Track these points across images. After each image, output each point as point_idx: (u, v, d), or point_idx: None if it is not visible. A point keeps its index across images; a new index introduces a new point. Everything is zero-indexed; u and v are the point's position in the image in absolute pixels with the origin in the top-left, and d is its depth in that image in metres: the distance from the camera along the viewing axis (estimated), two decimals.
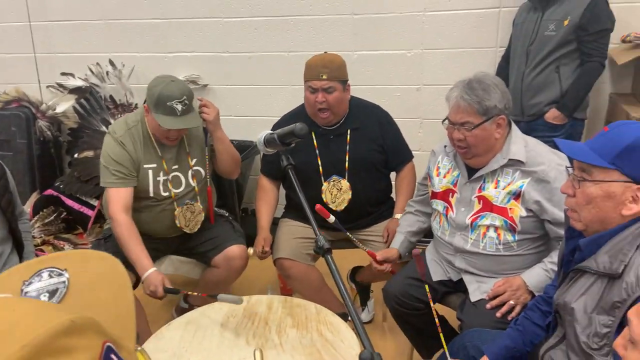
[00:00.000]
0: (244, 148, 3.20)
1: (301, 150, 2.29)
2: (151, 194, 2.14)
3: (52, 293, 0.56)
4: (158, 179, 2.14)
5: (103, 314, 0.53)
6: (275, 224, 2.45)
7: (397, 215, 2.29)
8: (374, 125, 2.33)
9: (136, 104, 3.40)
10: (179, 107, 1.98)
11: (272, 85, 3.34)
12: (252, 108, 3.42)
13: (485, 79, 1.68)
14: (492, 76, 1.72)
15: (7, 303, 0.47)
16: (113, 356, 0.48)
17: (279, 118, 2.44)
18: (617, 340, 0.89)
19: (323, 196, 2.29)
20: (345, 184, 2.29)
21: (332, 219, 1.93)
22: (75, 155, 3.29)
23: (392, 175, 2.45)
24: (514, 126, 1.78)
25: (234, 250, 2.26)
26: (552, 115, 2.49)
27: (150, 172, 2.13)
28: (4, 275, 0.59)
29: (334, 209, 2.29)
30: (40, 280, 0.57)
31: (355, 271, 2.65)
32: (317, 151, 2.29)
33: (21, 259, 1.98)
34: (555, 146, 1.83)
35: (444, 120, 1.78)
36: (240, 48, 3.30)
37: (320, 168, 2.29)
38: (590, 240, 1.18)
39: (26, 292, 0.56)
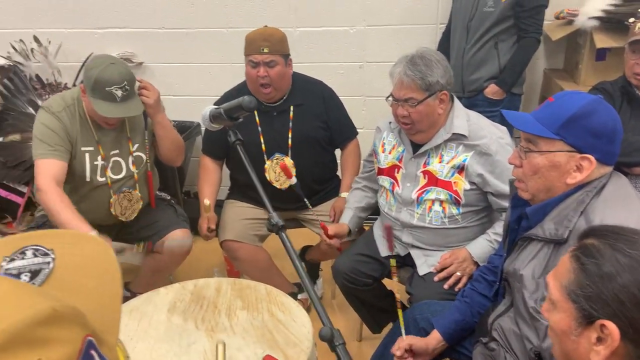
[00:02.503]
0: (184, 129, 3.09)
1: (243, 128, 2.23)
2: (87, 179, 2.02)
3: (34, 273, 0.50)
4: (95, 163, 2.03)
5: (86, 303, 0.48)
6: (219, 206, 2.39)
7: (344, 194, 2.29)
8: (318, 101, 2.31)
9: (65, 84, 3.19)
10: (119, 92, 1.86)
11: (212, 63, 3.22)
12: (190, 87, 3.30)
13: (428, 55, 1.69)
14: (434, 51, 1.73)
15: None
16: (93, 352, 0.44)
17: (220, 96, 2.37)
18: (543, 306, 0.94)
19: (266, 174, 2.25)
20: (289, 161, 2.26)
21: (294, 180, 1.92)
22: (0, 140, 3.06)
23: (338, 153, 2.44)
24: (456, 101, 1.80)
25: (178, 234, 2.19)
26: (492, 90, 2.55)
27: (87, 155, 2.01)
28: None
29: (278, 187, 2.26)
30: (24, 259, 0.51)
31: (304, 250, 2.64)
32: (259, 129, 2.24)
33: None
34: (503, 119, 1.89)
35: (388, 97, 1.78)
36: (176, 24, 3.15)
37: (263, 146, 2.24)
38: (536, 208, 1.22)
39: (6, 270, 0.51)
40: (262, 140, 2.24)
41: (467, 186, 1.72)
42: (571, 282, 0.84)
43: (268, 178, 2.26)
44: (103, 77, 1.85)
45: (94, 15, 3.16)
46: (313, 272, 2.63)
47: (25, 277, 0.50)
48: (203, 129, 3.17)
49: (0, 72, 3.16)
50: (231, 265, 2.72)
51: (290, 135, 2.25)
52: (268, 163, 2.26)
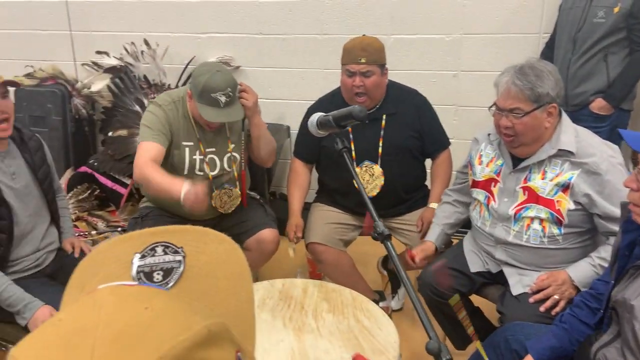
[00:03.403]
0: (274, 131, 3.16)
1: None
2: (185, 172, 2.14)
3: (166, 272, 0.49)
4: (194, 157, 2.15)
5: (222, 306, 0.47)
6: (306, 209, 2.43)
7: (432, 204, 2.25)
8: (411, 110, 2.29)
9: (169, 85, 3.40)
10: (223, 98, 1.96)
11: (305, 69, 3.29)
12: (282, 91, 3.39)
13: (539, 65, 1.62)
14: (545, 62, 1.66)
15: (139, 297, 0.42)
16: None
17: (313, 102, 2.41)
18: None
19: (354, 181, 2.26)
20: (377, 169, 2.25)
21: None
22: (109, 134, 3.32)
23: (427, 163, 2.40)
24: (564, 115, 1.71)
25: (266, 234, 2.25)
26: (598, 105, 2.40)
27: (187, 149, 2.13)
28: (113, 243, 0.53)
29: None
30: (154, 256, 0.50)
31: (387, 259, 2.62)
32: (351, 136, 2.26)
33: (60, 234, 2.00)
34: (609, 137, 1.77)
35: (491, 107, 1.72)
36: (274, 30, 3.26)
37: (354, 153, 2.25)
38: None
39: (139, 266, 0.49)
40: (352, 147, 2.25)
41: (572, 206, 1.63)
42: None
43: (356, 185, 2.27)
44: (210, 84, 1.95)
45: (198, 21, 3.34)
46: (395, 280, 2.60)
47: (158, 276, 0.49)
48: (294, 132, 3.27)
49: (113, 71, 3.43)
50: (314, 267, 2.76)
51: (381, 144, 2.25)
52: (357, 170, 2.27)
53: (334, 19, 3.13)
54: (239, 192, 2.27)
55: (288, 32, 3.24)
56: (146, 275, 0.49)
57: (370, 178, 2.28)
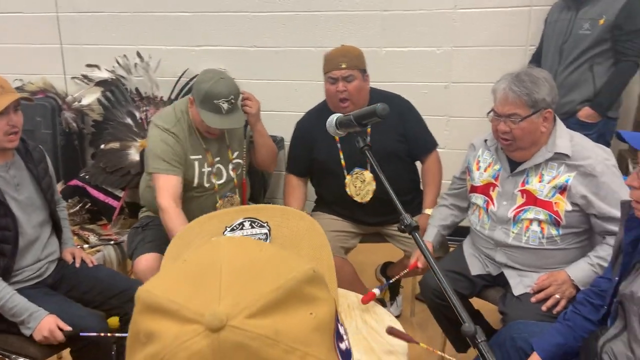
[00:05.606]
0: None
1: (323, 145, 2.29)
2: (195, 184, 2.14)
3: None
4: (203, 170, 2.15)
5: None
6: None
7: (427, 210, 2.29)
8: (394, 114, 2.30)
9: (161, 97, 3.41)
10: (225, 105, 1.98)
11: (298, 81, 3.34)
12: (276, 103, 3.41)
13: (534, 72, 1.69)
14: (540, 70, 1.73)
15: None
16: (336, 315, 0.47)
17: (303, 114, 2.46)
18: None
19: (347, 189, 2.29)
20: (368, 175, 2.28)
21: (377, 292, 1.81)
22: (102, 147, 3.30)
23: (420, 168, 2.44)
24: (558, 120, 1.78)
25: None
26: (585, 113, 2.49)
27: (196, 163, 2.14)
28: (202, 221, 0.58)
29: (359, 201, 2.29)
30: (242, 229, 0.57)
31: (385, 266, 2.65)
32: (338, 145, 2.28)
33: (60, 245, 1.99)
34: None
35: (489, 112, 1.79)
36: (267, 43, 3.30)
37: (343, 161, 2.28)
38: None
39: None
40: (341, 155, 2.29)
41: (569, 207, 1.69)
42: None
43: (349, 192, 2.30)
44: (213, 90, 1.97)
45: (191, 33, 3.37)
46: (394, 288, 2.63)
47: None
48: (288, 143, 3.30)
49: (104, 85, 3.43)
50: None
51: None
52: (348, 178, 2.29)
53: (328, 33, 3.19)
54: (239, 199, 2.28)
55: (282, 44, 3.29)
56: None
57: (362, 184, 2.30)
